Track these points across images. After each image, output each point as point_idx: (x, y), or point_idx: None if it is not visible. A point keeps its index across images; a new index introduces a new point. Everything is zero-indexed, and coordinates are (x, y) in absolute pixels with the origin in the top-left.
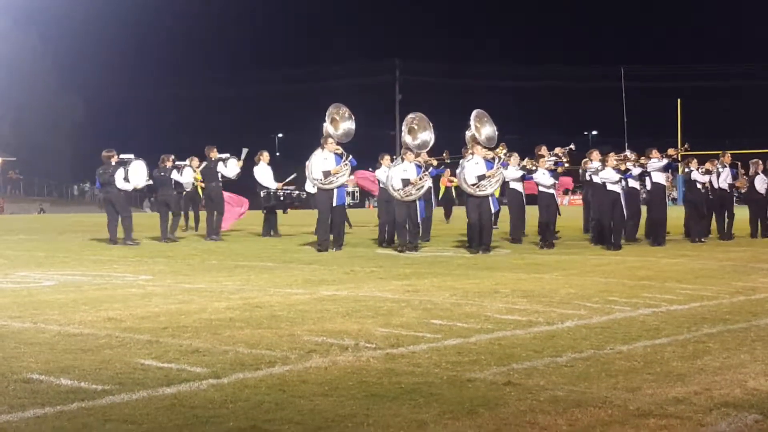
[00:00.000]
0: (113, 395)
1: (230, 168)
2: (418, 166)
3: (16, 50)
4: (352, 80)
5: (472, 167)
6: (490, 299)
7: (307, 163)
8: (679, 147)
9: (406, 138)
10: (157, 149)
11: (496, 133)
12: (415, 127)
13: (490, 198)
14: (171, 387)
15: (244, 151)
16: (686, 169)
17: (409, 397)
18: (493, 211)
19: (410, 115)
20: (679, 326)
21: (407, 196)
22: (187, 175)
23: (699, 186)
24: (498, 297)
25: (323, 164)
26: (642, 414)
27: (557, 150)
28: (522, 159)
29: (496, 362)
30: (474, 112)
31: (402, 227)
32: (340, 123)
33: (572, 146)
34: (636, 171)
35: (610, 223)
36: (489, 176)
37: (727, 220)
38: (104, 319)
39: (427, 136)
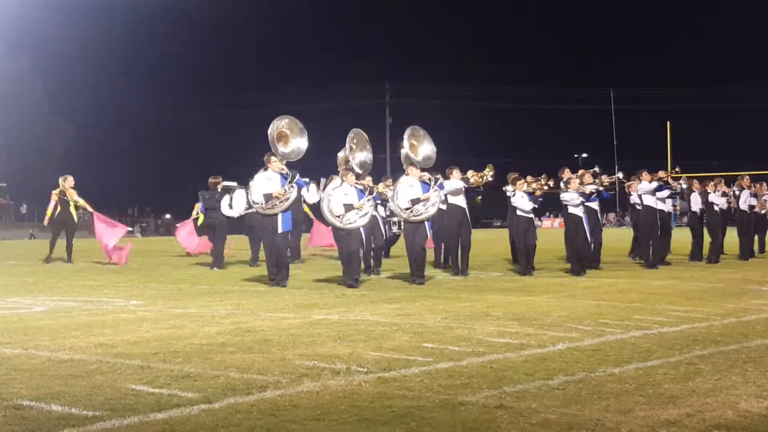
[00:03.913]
0: (104, 421)
1: (311, 194)
2: (360, 190)
3: (6, 75)
4: (342, 104)
5: (406, 190)
6: (481, 322)
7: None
8: (669, 169)
9: (348, 157)
10: (147, 173)
11: (435, 152)
12: (353, 147)
13: (425, 224)
14: (162, 412)
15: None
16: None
17: (401, 421)
18: (428, 236)
19: (350, 134)
20: (670, 348)
21: (349, 223)
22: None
23: (716, 208)
24: (489, 320)
25: (266, 186)
26: None
27: (581, 173)
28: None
29: (488, 385)
30: (408, 129)
31: (348, 260)
32: (289, 138)
33: (596, 168)
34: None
35: (577, 248)
36: (424, 200)
37: (744, 240)
38: (95, 345)
39: (365, 156)
